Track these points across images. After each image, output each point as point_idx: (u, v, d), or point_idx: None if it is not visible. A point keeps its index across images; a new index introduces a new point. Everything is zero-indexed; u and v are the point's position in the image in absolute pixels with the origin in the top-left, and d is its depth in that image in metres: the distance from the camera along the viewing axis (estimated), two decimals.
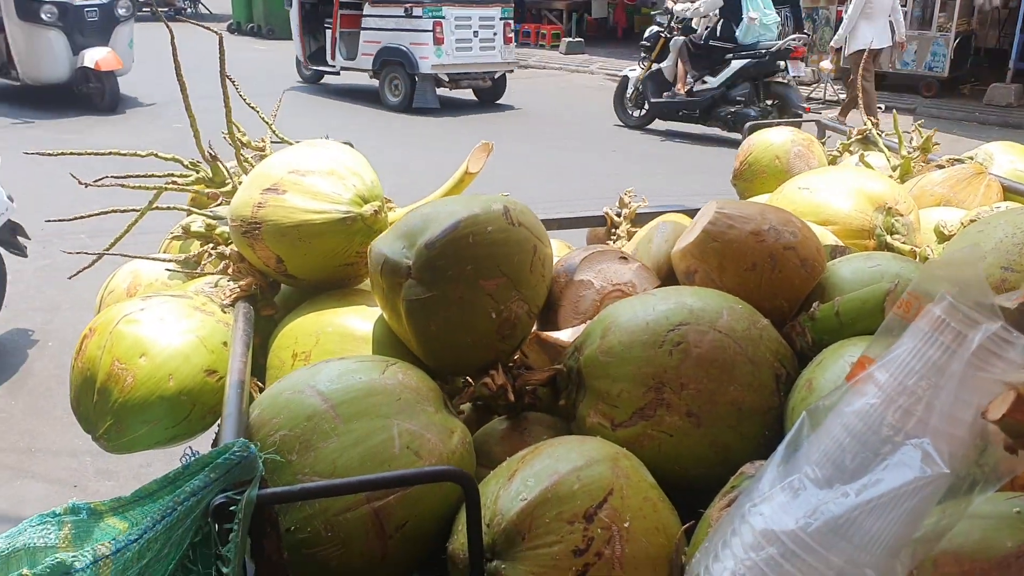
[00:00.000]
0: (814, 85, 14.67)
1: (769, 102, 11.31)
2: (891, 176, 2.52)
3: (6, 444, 4.53)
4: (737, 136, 10.59)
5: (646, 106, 12.38)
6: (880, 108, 10.99)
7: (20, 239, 5.46)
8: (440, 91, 13.86)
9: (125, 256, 1.98)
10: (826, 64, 12.54)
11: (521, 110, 14.27)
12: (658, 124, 12.53)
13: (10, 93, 13.07)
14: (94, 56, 12.13)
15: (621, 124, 12.81)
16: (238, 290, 1.80)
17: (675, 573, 1.26)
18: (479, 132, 11.60)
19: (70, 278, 2.19)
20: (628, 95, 12.61)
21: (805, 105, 11.49)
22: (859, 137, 2.89)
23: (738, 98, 11.38)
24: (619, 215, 2.40)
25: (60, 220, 2.11)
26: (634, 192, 2.47)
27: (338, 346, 1.67)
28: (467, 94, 14.73)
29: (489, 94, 14.49)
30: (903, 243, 2.01)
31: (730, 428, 1.44)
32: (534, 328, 1.72)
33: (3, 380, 5.17)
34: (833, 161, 2.86)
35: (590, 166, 10.33)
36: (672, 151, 11.55)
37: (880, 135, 2.82)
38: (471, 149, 1.96)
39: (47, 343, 5.60)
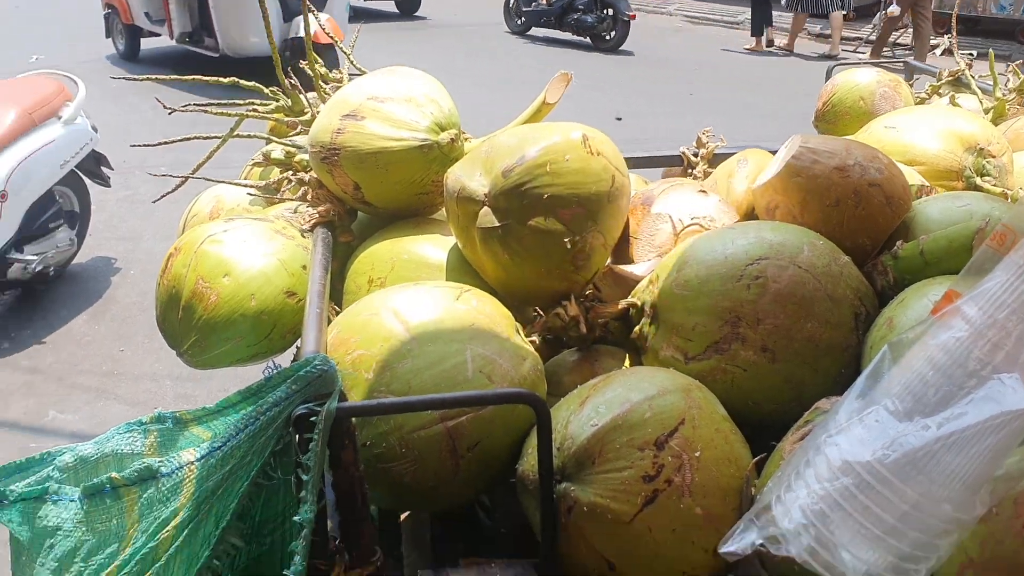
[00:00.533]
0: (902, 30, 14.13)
1: (604, 11, 12.87)
2: (984, 118, 2.42)
3: (90, 367, 4.72)
4: (584, 40, 13.31)
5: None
6: (971, 55, 10.54)
7: (104, 169, 5.61)
8: (355, 1, 13.95)
9: (209, 180, 2.03)
10: (893, 8, 12.10)
11: (430, 20, 16.03)
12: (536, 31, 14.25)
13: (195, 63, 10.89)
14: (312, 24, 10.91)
15: (508, 31, 14.49)
16: (317, 216, 1.83)
17: (745, 504, 1.26)
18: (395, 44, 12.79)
19: (154, 202, 2.25)
20: (511, 4, 14.37)
21: (631, 12, 12.85)
22: (950, 79, 2.78)
23: (579, 6, 12.97)
24: (696, 155, 2.36)
25: (145, 145, 2.16)
26: (711, 131, 2.42)
27: (413, 273, 1.69)
28: (387, 6, 16.26)
29: (408, 6, 16.00)
30: (994, 185, 1.94)
31: (806, 364, 1.42)
32: (608, 261, 1.71)
33: (87, 306, 5.36)
34: (921, 104, 2.76)
35: (483, 70, 11.42)
36: (547, 55, 12.98)
37: (973, 78, 2.70)
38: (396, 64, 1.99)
39: (129, 271, 5.78)
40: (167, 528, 1.24)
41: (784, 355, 1.42)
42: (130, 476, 1.29)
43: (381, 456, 1.34)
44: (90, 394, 4.44)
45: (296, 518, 1.15)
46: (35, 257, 5.07)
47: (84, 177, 5.56)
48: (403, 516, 1.69)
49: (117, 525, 1.30)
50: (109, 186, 5.78)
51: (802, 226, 1.58)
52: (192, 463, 1.26)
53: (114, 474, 1.29)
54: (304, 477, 1.16)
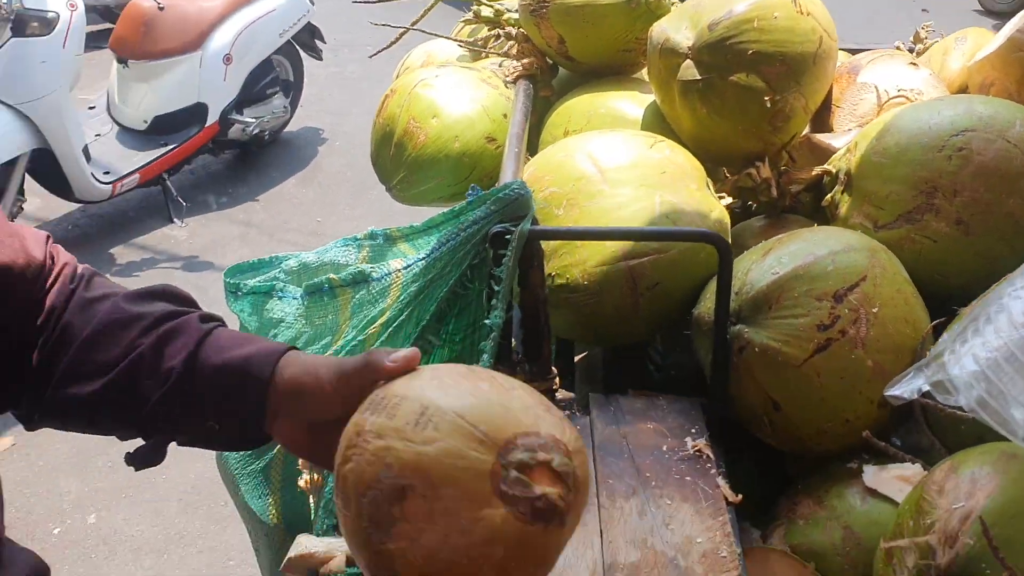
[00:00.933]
0: None
1: None
2: None
3: (296, 226, 5.10)
4: None
5: None
6: None
7: (317, 43, 5.91)
8: None
9: (424, 32, 2.14)
10: None
11: None
12: None
13: None
14: None
15: None
16: (520, 68, 1.91)
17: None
18: None
19: (371, 56, 2.38)
20: None
21: None
22: None
23: None
24: (912, 51, 2.25)
25: (366, 2, 2.29)
26: (931, 26, 2.29)
27: (608, 127, 1.74)
28: None
29: None
30: None
31: (1002, 240, 1.39)
32: (806, 130, 1.70)
33: (296, 171, 5.74)
34: None
35: None
36: None
37: None
38: None
39: (335, 143, 6.11)
40: (374, 325, 1.39)
41: (980, 229, 1.39)
42: (345, 278, 1.45)
43: (565, 286, 1.44)
44: (295, 247, 4.81)
45: (487, 321, 1.26)
46: (253, 120, 5.45)
47: (299, 49, 5.87)
48: (577, 358, 1.80)
49: (332, 320, 1.47)
50: (321, 59, 6.08)
51: (1018, 104, 1.51)
52: (399, 271, 1.40)
53: (332, 275, 1.46)
54: (496, 288, 1.28)
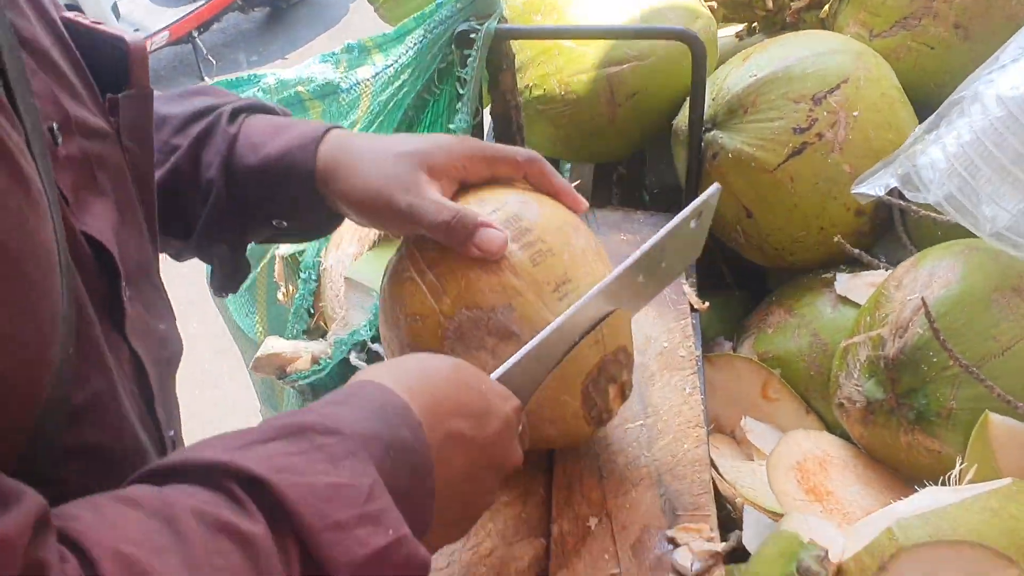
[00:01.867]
0: None
1: None
2: None
3: None
4: None
5: None
6: None
7: None
8: None
9: None
10: None
11: None
12: None
13: None
14: None
15: None
16: None
17: None
18: None
19: None
20: None
21: None
22: None
23: None
24: None
25: None
26: None
27: None
28: None
29: None
30: None
31: (1001, 45, 1.31)
32: None
33: (326, 29, 5.65)
34: None
35: None
36: None
37: None
38: None
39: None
40: None
41: (979, 33, 1.31)
42: (314, 90, 1.42)
43: (542, 97, 1.40)
44: None
45: (451, 126, 1.24)
46: None
47: None
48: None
49: None
50: None
51: None
52: (368, 80, 1.37)
53: (300, 87, 1.43)
54: (461, 91, 1.24)
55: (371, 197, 0.82)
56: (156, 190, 0.75)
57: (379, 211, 0.83)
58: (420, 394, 0.62)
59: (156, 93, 0.76)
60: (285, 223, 0.89)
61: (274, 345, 1.23)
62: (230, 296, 1.63)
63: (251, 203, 0.86)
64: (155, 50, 4.87)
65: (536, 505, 0.97)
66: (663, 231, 0.88)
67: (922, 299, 0.91)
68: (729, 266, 1.46)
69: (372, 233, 1.33)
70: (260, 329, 1.57)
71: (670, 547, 0.91)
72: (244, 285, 1.58)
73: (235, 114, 0.87)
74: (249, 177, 0.85)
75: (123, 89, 0.68)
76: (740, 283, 1.47)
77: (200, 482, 0.51)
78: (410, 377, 0.64)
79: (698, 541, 0.90)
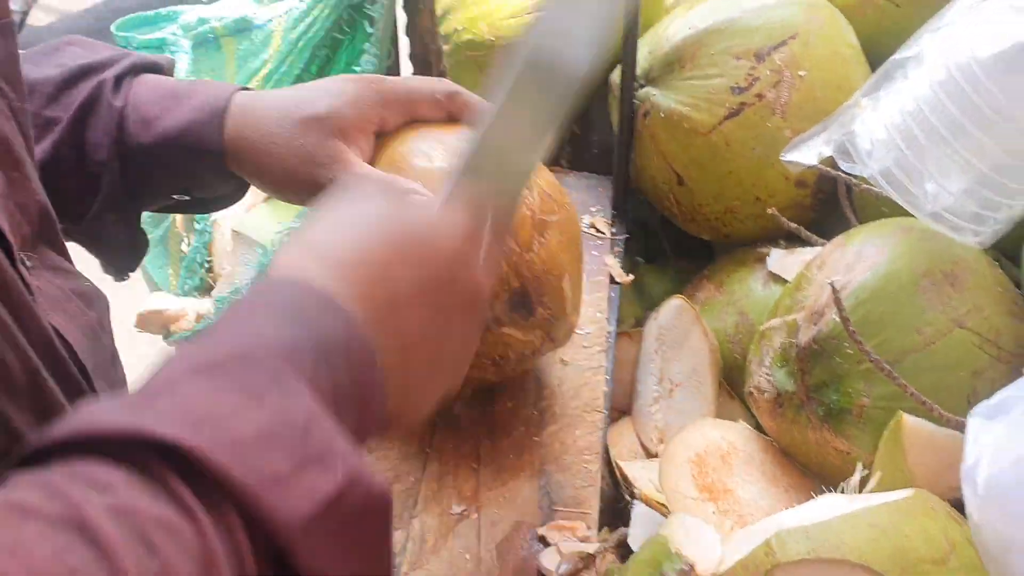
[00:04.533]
0: None
1: None
2: None
3: None
4: None
5: None
6: None
7: None
8: None
9: None
10: None
11: None
12: None
13: None
14: None
15: None
16: None
17: None
18: None
19: None
20: None
21: None
22: None
23: None
24: None
25: None
26: None
27: None
28: None
29: None
30: None
31: None
32: None
33: None
34: None
35: None
36: None
37: None
38: None
39: None
40: (256, 77, 1.27)
41: None
42: (228, 26, 1.32)
43: (471, 43, 1.29)
44: None
45: (356, 68, 1.14)
46: None
47: None
48: None
49: (217, 76, 1.35)
50: None
51: None
52: (280, 16, 1.26)
53: (215, 23, 1.33)
54: (369, 29, 1.14)
55: (288, 177, 0.74)
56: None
57: (300, 191, 0.74)
58: (342, 263, 0.51)
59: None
60: (188, 197, 0.80)
61: (158, 301, 1.14)
62: None
63: (150, 181, 0.77)
64: None
65: (404, 494, 0.88)
66: None
67: (831, 284, 0.81)
68: (673, 235, 1.35)
69: None
70: (173, 283, 1.48)
71: (540, 547, 0.82)
72: (157, 234, 1.48)
73: (119, 80, 0.75)
74: (146, 156, 0.74)
75: None
76: (686, 253, 1.37)
77: (101, 457, 0.39)
78: (328, 245, 0.53)
79: (570, 541, 0.81)
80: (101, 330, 0.65)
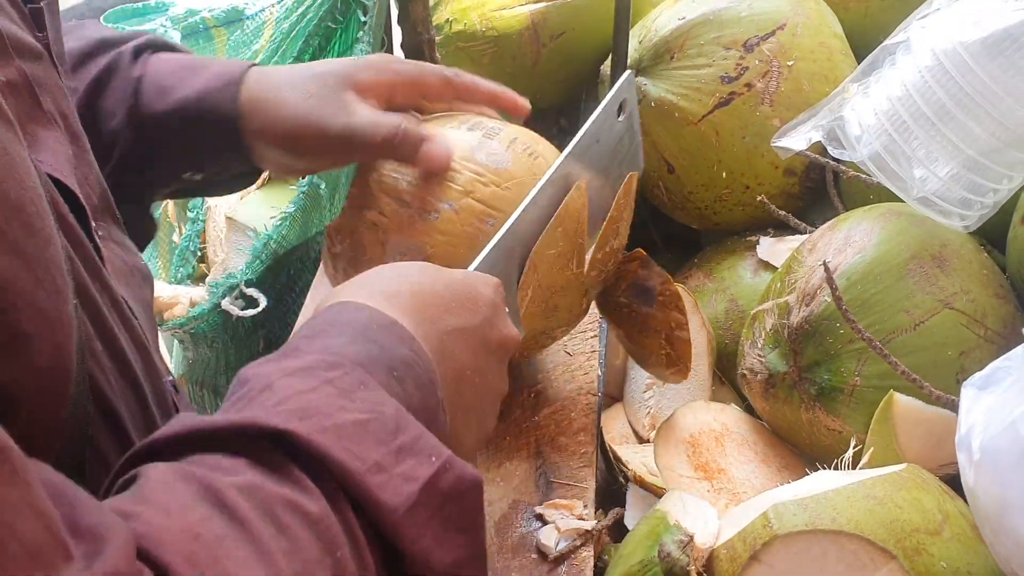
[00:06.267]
0: None
1: None
2: None
3: None
4: None
5: None
6: None
7: None
8: None
9: None
10: None
11: None
12: None
13: None
14: None
15: None
16: None
17: None
18: None
19: None
20: None
21: None
22: None
23: None
24: None
25: None
26: None
27: None
28: None
29: None
30: None
31: None
32: None
33: None
34: None
35: None
36: None
37: None
38: None
39: None
40: None
41: None
42: (219, 16, 1.32)
43: (461, 33, 1.30)
44: None
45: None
46: None
47: None
48: None
49: None
50: None
51: None
52: (273, 5, 1.27)
53: (206, 14, 1.33)
54: (363, 18, 1.14)
55: (299, 127, 0.75)
56: None
57: (309, 142, 0.76)
58: (402, 302, 0.56)
59: None
60: (197, 176, 0.81)
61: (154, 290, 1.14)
62: None
63: (163, 154, 0.78)
64: None
65: None
66: (588, 122, 0.83)
67: (824, 264, 0.83)
68: (661, 226, 1.37)
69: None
70: (163, 274, 1.48)
71: (538, 524, 0.83)
72: None
73: (137, 53, 0.77)
74: (160, 125, 0.76)
75: None
76: (673, 244, 1.38)
77: (217, 449, 0.42)
78: (386, 286, 0.57)
79: (567, 519, 0.82)
80: (152, 307, 0.67)
